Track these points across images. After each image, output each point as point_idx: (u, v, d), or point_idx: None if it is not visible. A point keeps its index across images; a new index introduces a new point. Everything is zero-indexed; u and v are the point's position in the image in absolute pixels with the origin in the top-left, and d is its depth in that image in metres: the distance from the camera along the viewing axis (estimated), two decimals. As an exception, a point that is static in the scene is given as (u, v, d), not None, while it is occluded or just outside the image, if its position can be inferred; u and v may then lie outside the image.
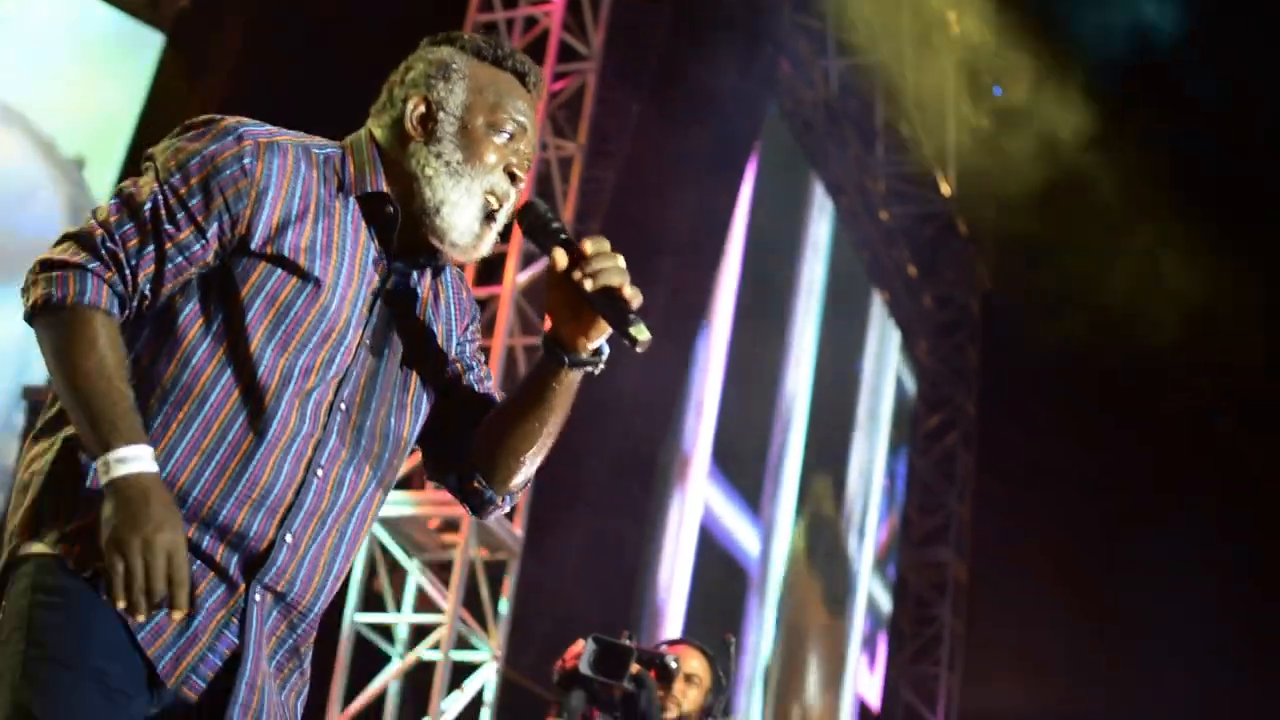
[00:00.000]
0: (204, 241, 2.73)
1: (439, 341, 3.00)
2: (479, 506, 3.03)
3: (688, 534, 13.44)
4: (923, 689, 18.71)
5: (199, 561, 2.67)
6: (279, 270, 2.75)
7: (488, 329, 10.92)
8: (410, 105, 2.93)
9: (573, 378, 2.94)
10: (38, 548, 2.67)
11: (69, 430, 2.70)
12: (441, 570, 10.66)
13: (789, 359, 15.45)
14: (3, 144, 12.18)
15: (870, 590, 17.70)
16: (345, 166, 2.89)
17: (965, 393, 19.58)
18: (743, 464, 14.53)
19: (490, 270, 11.03)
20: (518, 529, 10.74)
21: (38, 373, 11.97)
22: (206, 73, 12.63)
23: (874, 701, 17.96)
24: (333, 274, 2.79)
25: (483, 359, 3.14)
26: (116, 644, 2.61)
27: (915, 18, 17.08)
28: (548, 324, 2.95)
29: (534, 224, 2.93)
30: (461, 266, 3.08)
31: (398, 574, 10.77)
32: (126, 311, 2.71)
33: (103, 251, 2.68)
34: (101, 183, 12.29)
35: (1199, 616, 16.39)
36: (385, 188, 2.89)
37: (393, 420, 2.91)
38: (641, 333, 2.79)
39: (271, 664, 2.77)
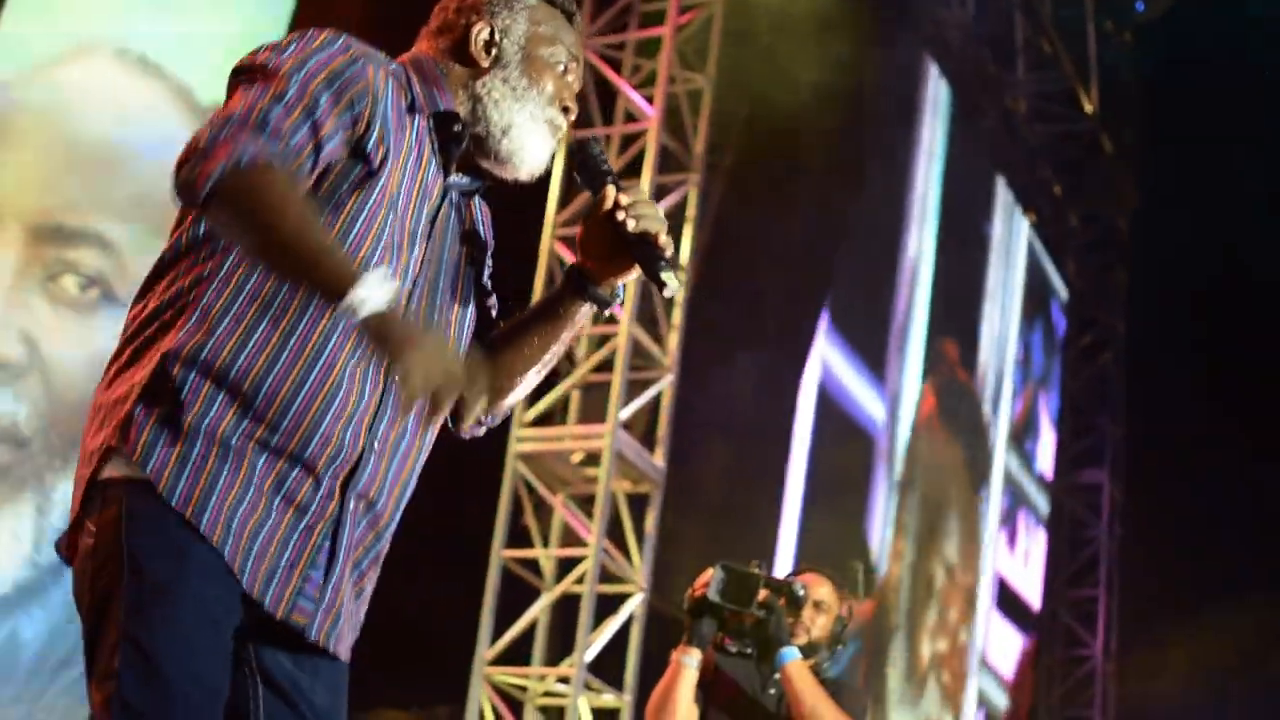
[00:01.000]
0: (336, 138, 2.77)
1: (480, 263, 3.08)
2: (460, 422, 3.06)
3: (806, 394, 13.25)
4: (1080, 612, 18.61)
5: (301, 474, 2.72)
6: (374, 179, 2.81)
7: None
8: (475, 30, 2.99)
9: (585, 311, 3.06)
10: (125, 471, 2.68)
11: (165, 347, 2.73)
12: (585, 504, 10.76)
13: (910, 218, 15.10)
14: (143, 94, 12.39)
15: (1007, 465, 17.41)
16: (411, 84, 2.94)
17: (1115, 312, 19.38)
18: (864, 327, 14.26)
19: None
20: (659, 460, 10.83)
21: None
22: (338, 9, 12.77)
23: (1017, 584, 17.69)
24: (406, 187, 2.85)
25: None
26: (214, 569, 2.64)
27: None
28: (577, 256, 3.06)
29: (586, 162, 3.02)
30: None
31: (542, 509, 10.90)
32: None
33: (262, 134, 2.68)
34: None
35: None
36: (455, 106, 2.97)
37: (450, 335, 2.97)
38: (672, 280, 2.91)
39: (355, 572, 2.82)
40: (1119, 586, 18.66)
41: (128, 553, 2.64)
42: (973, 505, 16.38)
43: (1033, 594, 18.13)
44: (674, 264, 2.92)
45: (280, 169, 2.65)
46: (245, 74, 2.84)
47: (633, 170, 11.01)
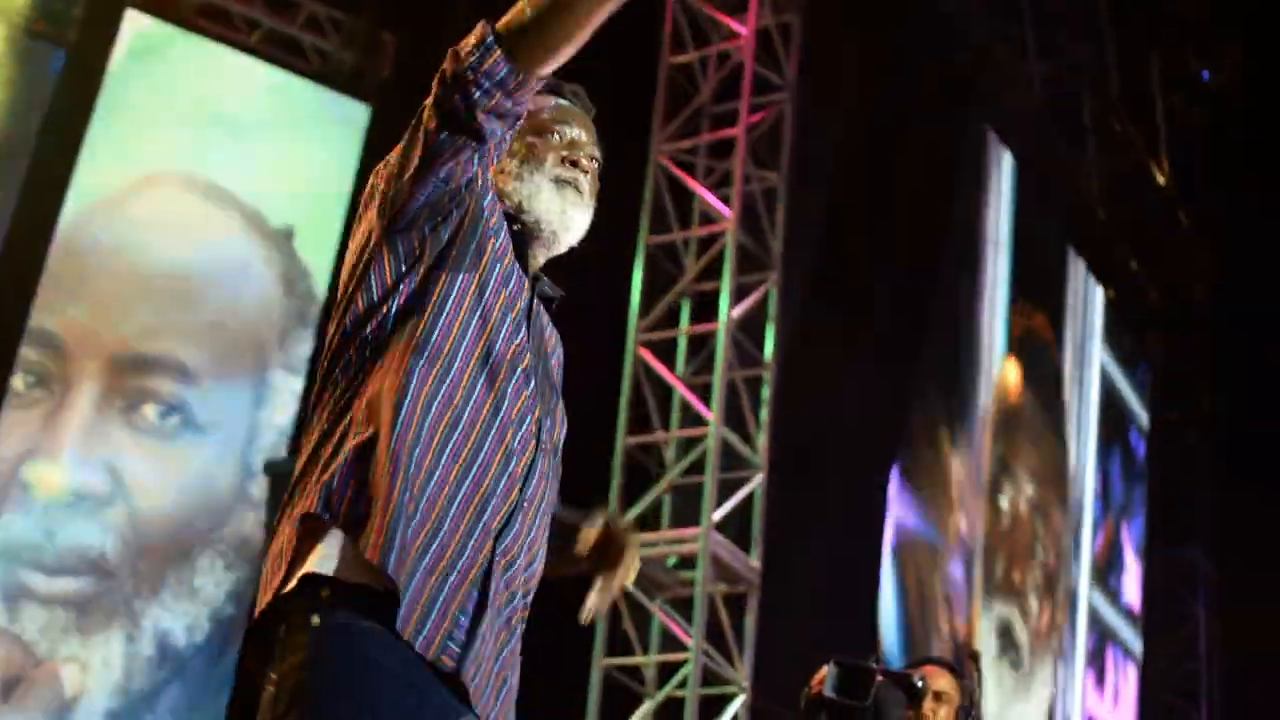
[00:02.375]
0: (488, 168, 3.01)
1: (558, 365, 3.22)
2: None
3: (894, 486, 13.21)
4: (1184, 688, 18.34)
5: (455, 520, 2.81)
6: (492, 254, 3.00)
7: (706, 364, 11.00)
8: None
9: None
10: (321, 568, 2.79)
11: (361, 438, 2.82)
12: (683, 608, 10.71)
13: (980, 371, 14.99)
14: (214, 222, 12.50)
15: (1092, 602, 17.17)
16: None
17: (1202, 385, 19.20)
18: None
19: (705, 308, 11.12)
20: (754, 561, 10.79)
21: (267, 443, 12.26)
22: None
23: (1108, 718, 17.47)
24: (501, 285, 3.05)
25: None
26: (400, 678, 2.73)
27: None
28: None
29: None
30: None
31: (640, 615, 10.85)
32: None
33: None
34: (312, 253, 12.56)
35: None
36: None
37: (558, 433, 3.12)
38: None
39: (493, 630, 2.88)
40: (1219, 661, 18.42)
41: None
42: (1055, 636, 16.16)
43: None
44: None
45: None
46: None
47: (712, 272, 11.04)
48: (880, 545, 12.86)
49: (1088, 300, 17.49)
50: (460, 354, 2.89)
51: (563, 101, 3.25)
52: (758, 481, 10.85)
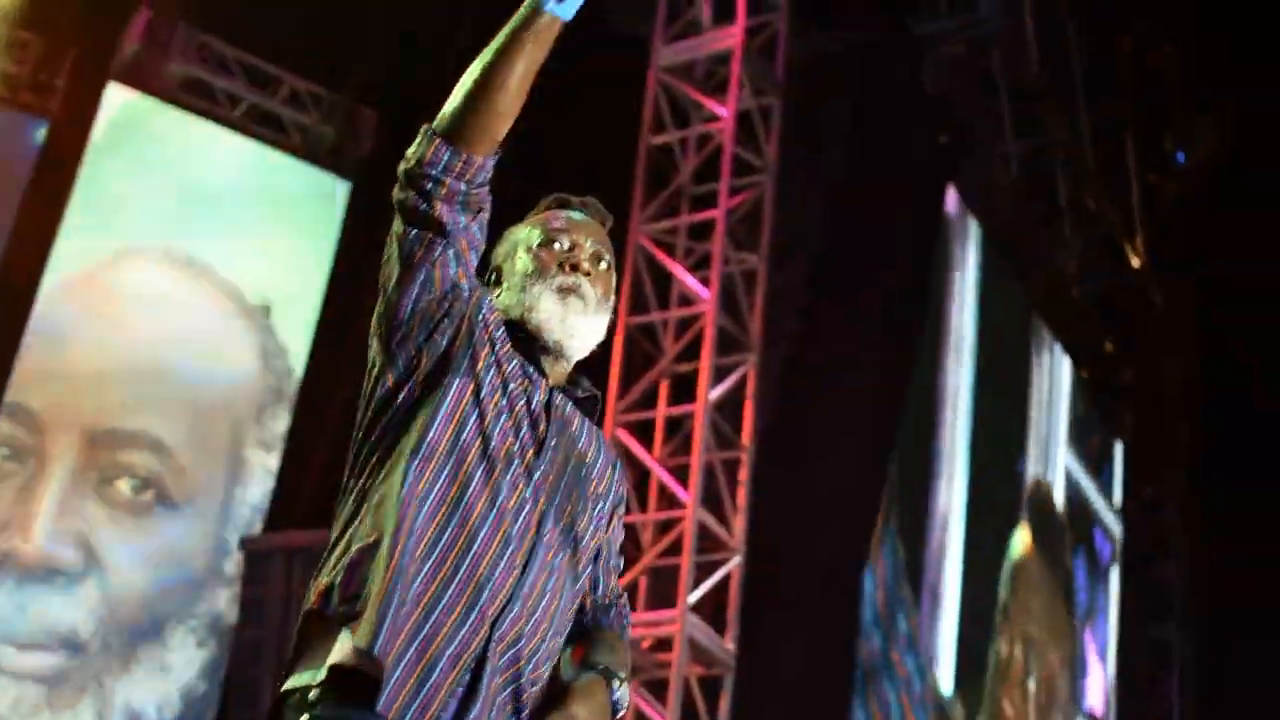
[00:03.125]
0: (470, 271, 3.13)
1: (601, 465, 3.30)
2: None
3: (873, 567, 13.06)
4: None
5: (447, 607, 2.90)
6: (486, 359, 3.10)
7: (684, 445, 11.01)
8: (490, 269, 3.38)
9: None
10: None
11: (365, 543, 2.95)
12: (658, 689, 10.68)
13: (940, 474, 14.78)
14: (192, 297, 12.51)
15: None
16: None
17: (1175, 465, 19.25)
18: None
19: (684, 389, 11.13)
20: (729, 644, 10.77)
21: (241, 519, 12.22)
22: (394, 214, 12.85)
23: None
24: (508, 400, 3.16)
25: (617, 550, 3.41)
26: None
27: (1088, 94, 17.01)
28: None
29: None
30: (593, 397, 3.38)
31: (616, 697, 10.80)
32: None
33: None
34: (290, 329, 12.56)
35: None
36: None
37: (583, 524, 3.19)
38: None
39: (486, 716, 2.93)
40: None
41: None
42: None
43: None
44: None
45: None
46: None
47: (691, 353, 11.06)
48: (855, 634, 12.85)
49: (1053, 394, 17.45)
50: (456, 451, 2.98)
51: (573, 214, 3.36)
52: (734, 564, 10.83)
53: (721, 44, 11.66)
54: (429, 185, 3.00)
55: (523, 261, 3.26)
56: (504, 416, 3.05)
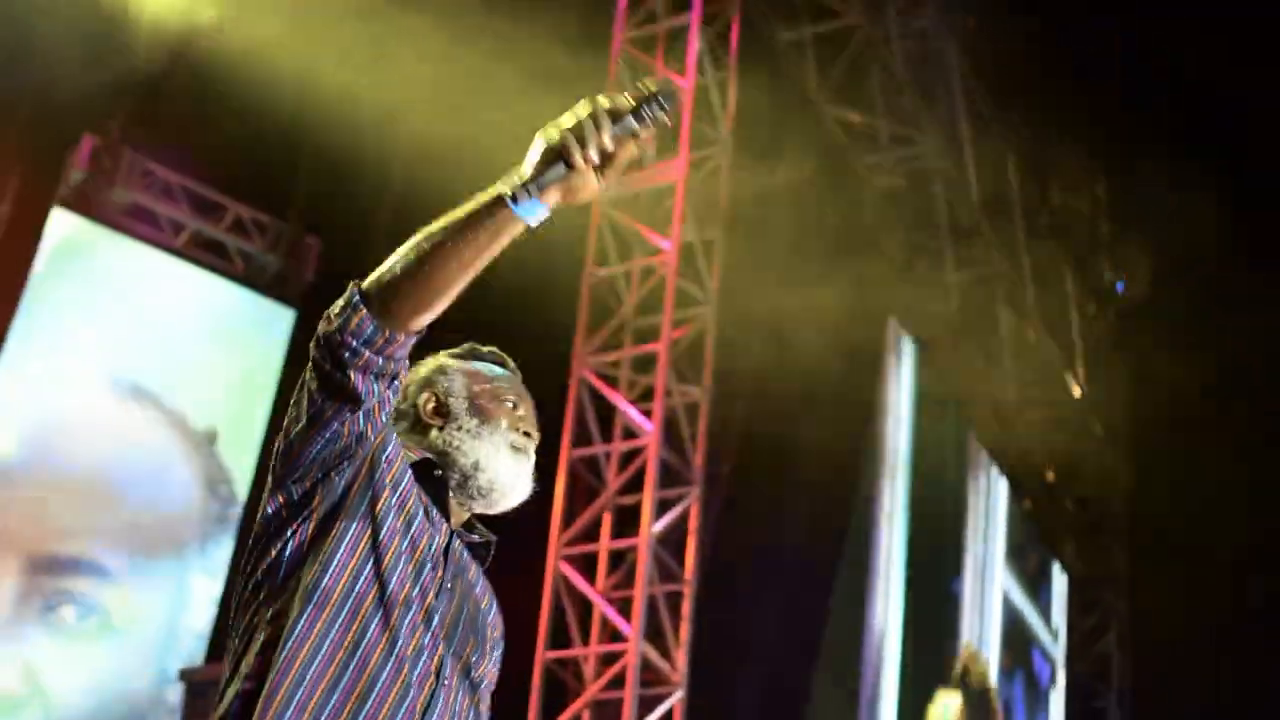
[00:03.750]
0: (378, 424, 3.02)
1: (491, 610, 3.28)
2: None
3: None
4: None
5: None
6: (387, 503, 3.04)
7: (627, 578, 11.01)
8: (422, 402, 3.27)
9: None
10: None
11: (247, 688, 2.93)
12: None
13: (874, 589, 14.74)
14: (136, 422, 12.48)
15: None
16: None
17: (1115, 594, 19.36)
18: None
19: (626, 521, 11.15)
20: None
21: (185, 648, 12.15)
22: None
23: None
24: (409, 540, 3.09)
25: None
26: None
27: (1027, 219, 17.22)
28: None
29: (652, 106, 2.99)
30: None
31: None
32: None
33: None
34: (235, 456, 12.54)
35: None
36: (426, 454, 3.24)
37: (480, 670, 3.18)
38: (662, 111, 2.93)
39: None
40: None
41: None
42: None
43: None
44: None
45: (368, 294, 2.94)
46: None
47: (634, 486, 11.08)
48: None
49: (990, 516, 17.49)
50: (352, 596, 2.94)
51: (510, 375, 3.38)
52: (677, 698, 10.80)
53: (665, 177, 11.75)
54: (346, 355, 2.87)
55: (469, 407, 3.25)
56: (404, 560, 3.00)
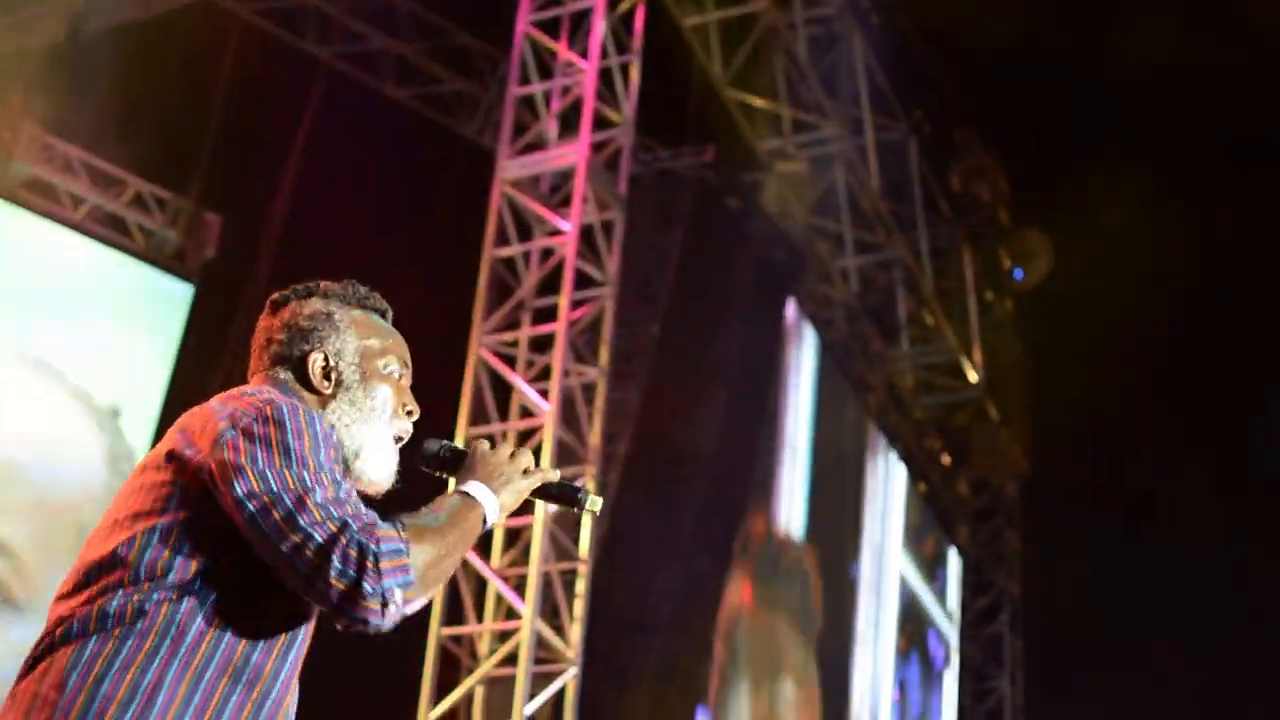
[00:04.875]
0: None
1: None
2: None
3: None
4: None
5: None
6: None
7: (522, 556, 11.06)
8: (311, 360, 3.06)
9: None
10: None
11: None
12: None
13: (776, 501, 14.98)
14: (40, 399, 12.39)
15: None
16: None
17: (1008, 575, 19.59)
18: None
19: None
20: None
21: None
22: (235, 319, 12.88)
23: None
24: None
25: None
26: None
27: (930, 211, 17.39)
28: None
29: (437, 461, 3.11)
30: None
31: None
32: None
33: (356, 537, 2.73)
34: (137, 431, 12.48)
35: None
36: None
37: None
38: (594, 499, 3.06)
39: None
40: None
41: None
42: None
43: None
44: (585, 490, 3.09)
45: (411, 537, 2.78)
46: (271, 472, 2.80)
47: (530, 465, 11.10)
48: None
49: (888, 500, 17.64)
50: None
51: (381, 319, 3.19)
52: (570, 675, 10.87)
53: (566, 159, 11.80)
54: (342, 612, 2.73)
55: (360, 378, 3.06)
56: None
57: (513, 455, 3.00)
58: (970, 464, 19.44)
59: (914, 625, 18.35)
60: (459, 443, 3.19)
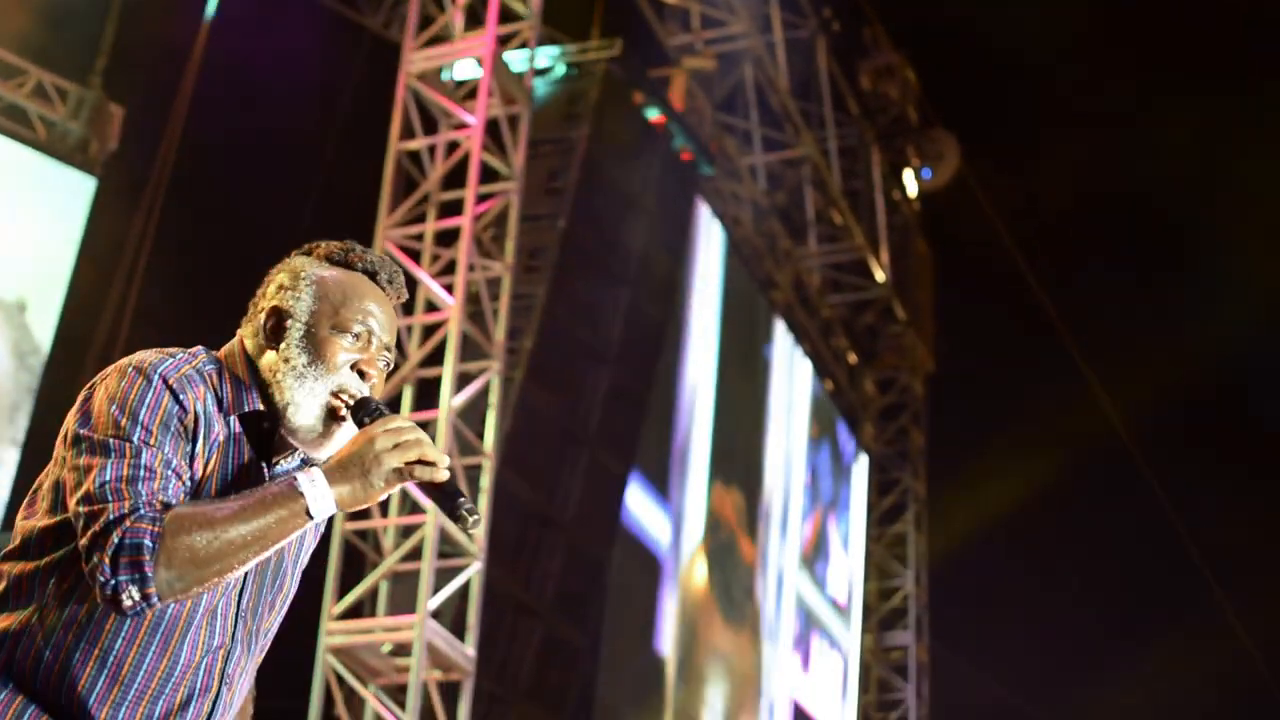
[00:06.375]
0: (185, 465, 2.79)
1: (305, 539, 3.07)
2: None
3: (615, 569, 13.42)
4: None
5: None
6: (199, 487, 2.82)
7: (427, 451, 11.02)
8: (263, 316, 3.00)
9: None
10: None
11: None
12: (397, 694, 10.72)
13: (685, 347, 15.11)
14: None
15: (798, 588, 17.44)
16: (223, 384, 2.94)
17: (913, 474, 19.75)
18: (649, 448, 14.17)
19: (427, 394, 11.17)
20: (470, 649, 10.82)
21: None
22: (136, 212, 12.76)
23: (810, 706, 17.61)
24: (222, 489, 2.85)
25: None
26: None
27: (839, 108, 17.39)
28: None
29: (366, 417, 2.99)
30: None
31: (354, 701, 10.84)
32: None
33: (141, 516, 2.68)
34: (42, 324, 12.37)
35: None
36: (260, 405, 2.96)
37: (268, 619, 3.01)
38: (474, 516, 2.87)
39: None
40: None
41: None
42: (738, 646, 16.12)
43: (826, 715, 18.05)
44: (469, 503, 2.91)
45: (169, 526, 2.67)
46: (86, 443, 2.80)
47: (435, 360, 11.09)
48: (599, 628, 13.05)
49: (793, 398, 17.73)
50: None
51: (366, 280, 3.03)
52: (475, 569, 10.89)
53: (471, 51, 11.71)
54: (107, 591, 2.67)
55: (302, 337, 2.95)
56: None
57: (397, 446, 2.75)
58: (877, 363, 19.56)
59: (825, 417, 18.50)
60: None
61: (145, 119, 12.86)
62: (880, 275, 18.33)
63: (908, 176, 19.34)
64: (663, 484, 14.42)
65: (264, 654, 3.06)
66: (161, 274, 12.49)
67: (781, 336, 17.23)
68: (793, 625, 17.26)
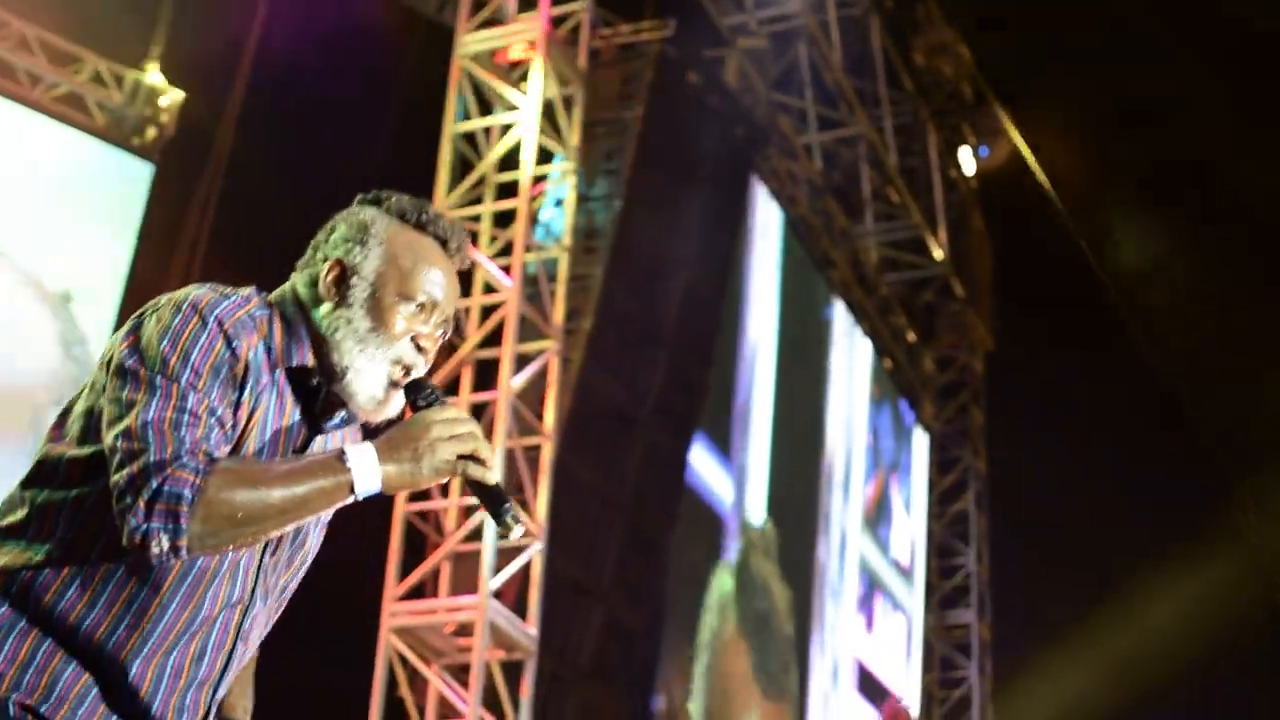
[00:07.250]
0: (230, 415, 2.77)
1: None
2: None
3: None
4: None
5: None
6: (242, 439, 2.79)
7: (486, 431, 11.05)
8: (325, 269, 2.94)
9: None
10: None
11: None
12: (460, 674, 10.76)
13: (748, 306, 15.18)
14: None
15: (861, 550, 17.47)
16: (273, 333, 2.89)
17: (974, 453, 19.67)
18: (710, 409, 14.21)
19: (486, 376, 11.19)
20: (531, 628, 10.85)
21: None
22: (194, 199, 12.78)
23: (875, 666, 17.62)
24: (269, 441, 2.84)
25: None
26: None
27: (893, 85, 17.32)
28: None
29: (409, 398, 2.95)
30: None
31: (418, 681, 10.88)
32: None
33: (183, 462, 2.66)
34: (92, 316, 12.38)
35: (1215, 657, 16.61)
36: (310, 360, 2.92)
37: (286, 575, 2.99)
38: (515, 525, 2.82)
39: None
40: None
41: None
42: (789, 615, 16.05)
43: (889, 676, 18.09)
44: (514, 510, 2.85)
45: (212, 480, 2.65)
46: (131, 377, 2.75)
47: (493, 341, 11.11)
48: (661, 609, 13.05)
49: (853, 376, 17.68)
50: None
51: (436, 247, 2.98)
52: (535, 549, 10.91)
53: (525, 33, 11.71)
54: (137, 538, 2.63)
55: (368, 299, 2.90)
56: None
57: (453, 437, 2.73)
58: (935, 341, 19.49)
59: (885, 384, 18.52)
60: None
61: (202, 104, 12.89)
62: (938, 253, 18.25)
63: (964, 154, 19.23)
64: (724, 444, 14.45)
65: (280, 611, 3.02)
66: (219, 258, 12.53)
67: (841, 315, 17.23)
68: (856, 587, 17.25)
